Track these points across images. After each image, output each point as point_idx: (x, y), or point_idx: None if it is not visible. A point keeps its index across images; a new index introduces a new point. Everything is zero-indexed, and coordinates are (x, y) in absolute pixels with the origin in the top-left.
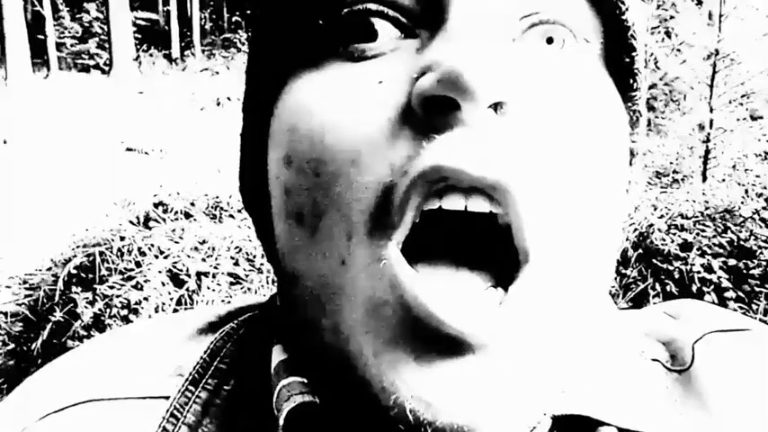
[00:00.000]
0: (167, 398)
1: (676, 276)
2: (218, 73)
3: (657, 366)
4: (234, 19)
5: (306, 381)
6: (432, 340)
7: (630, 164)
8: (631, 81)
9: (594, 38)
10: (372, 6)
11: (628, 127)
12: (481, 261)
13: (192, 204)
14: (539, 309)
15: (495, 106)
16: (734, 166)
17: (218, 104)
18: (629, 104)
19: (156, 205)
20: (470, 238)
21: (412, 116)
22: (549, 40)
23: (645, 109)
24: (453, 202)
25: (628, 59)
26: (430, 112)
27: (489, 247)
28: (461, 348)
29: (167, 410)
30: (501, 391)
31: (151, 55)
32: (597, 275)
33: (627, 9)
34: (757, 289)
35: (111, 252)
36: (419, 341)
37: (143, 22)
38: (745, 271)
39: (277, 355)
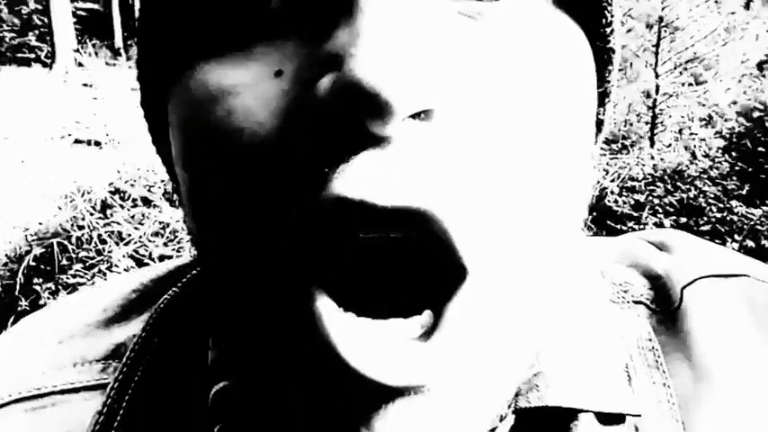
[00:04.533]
0: (101, 386)
1: None
2: None
3: (641, 309)
4: None
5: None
6: (359, 390)
7: (603, 106)
8: (600, 17)
9: None
10: None
11: (593, 91)
12: (408, 280)
13: (150, 190)
14: (480, 324)
15: (419, 114)
16: (680, 131)
17: None
18: (599, 42)
19: (112, 193)
20: (393, 257)
21: (314, 124)
22: None
23: (619, 44)
24: (370, 231)
25: None
26: (333, 125)
27: (416, 262)
28: (392, 396)
29: (104, 402)
30: (448, 430)
31: (94, 45)
32: (553, 262)
33: None
34: None
35: (70, 242)
36: (345, 391)
37: (83, 13)
38: (695, 228)
39: (213, 351)
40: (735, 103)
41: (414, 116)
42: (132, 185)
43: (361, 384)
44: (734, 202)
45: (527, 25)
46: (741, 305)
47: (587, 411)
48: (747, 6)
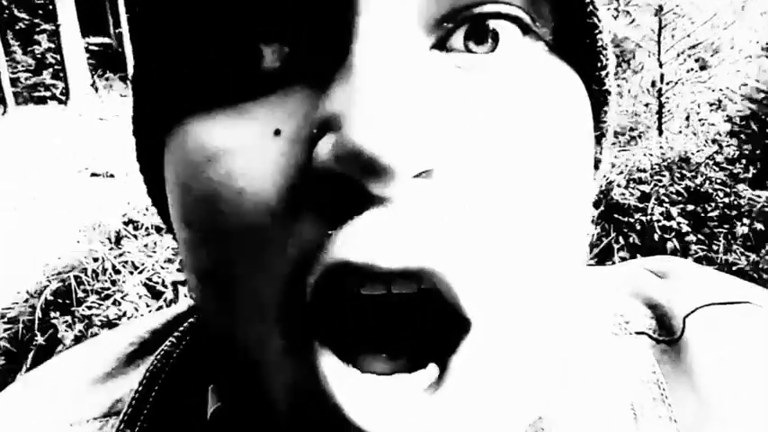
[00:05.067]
0: None
1: (638, 228)
2: None
3: (643, 339)
4: None
5: None
6: None
7: (600, 144)
8: (595, 61)
9: (545, 20)
10: (258, 29)
11: (591, 133)
12: (411, 333)
13: None
14: (486, 375)
15: (418, 174)
16: (687, 117)
17: None
18: (595, 86)
19: (126, 223)
20: (395, 310)
21: (315, 186)
22: (479, 40)
23: (614, 84)
24: (374, 288)
25: (589, 39)
26: (334, 187)
27: (419, 316)
28: None
29: None
30: None
31: (107, 79)
32: (557, 306)
33: None
34: (716, 230)
35: (86, 274)
36: None
37: (96, 48)
38: (702, 214)
39: (212, 399)
40: (745, 85)
41: (415, 176)
42: (144, 215)
43: None
44: (740, 186)
45: (524, 74)
46: (744, 333)
47: None
48: None
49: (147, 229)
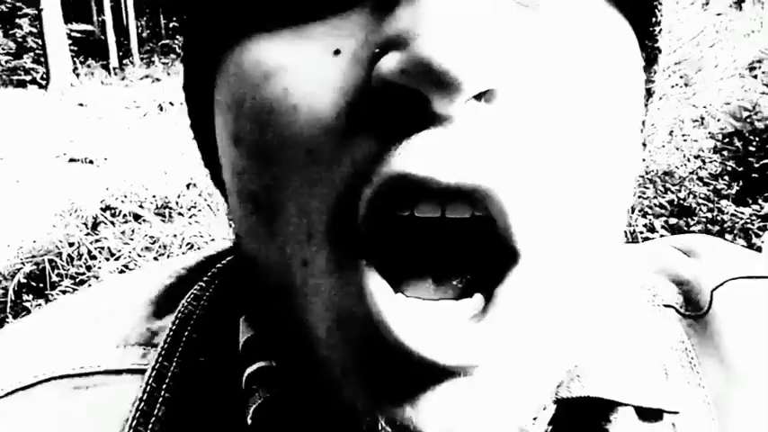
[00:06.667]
0: (141, 371)
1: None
2: (158, 80)
3: (671, 312)
4: (171, 25)
5: (273, 364)
6: (407, 367)
7: (646, 106)
8: (650, 16)
9: None
10: None
11: (641, 87)
12: (459, 261)
13: (141, 206)
14: (529, 309)
15: (481, 95)
16: (671, 132)
17: (161, 110)
18: (647, 41)
19: (103, 209)
20: (446, 237)
21: (375, 102)
22: None
23: (666, 44)
24: (428, 209)
25: None
26: (395, 103)
27: (469, 245)
28: (441, 376)
29: (143, 389)
30: (492, 414)
31: (89, 66)
32: (601, 254)
33: None
34: None
35: (61, 259)
36: (392, 367)
37: (78, 34)
38: (686, 228)
39: (243, 329)
40: (728, 104)
41: (476, 97)
42: (122, 201)
43: (414, 363)
44: (724, 202)
45: (581, 18)
46: None
47: (627, 405)
48: (739, 7)
49: (125, 216)
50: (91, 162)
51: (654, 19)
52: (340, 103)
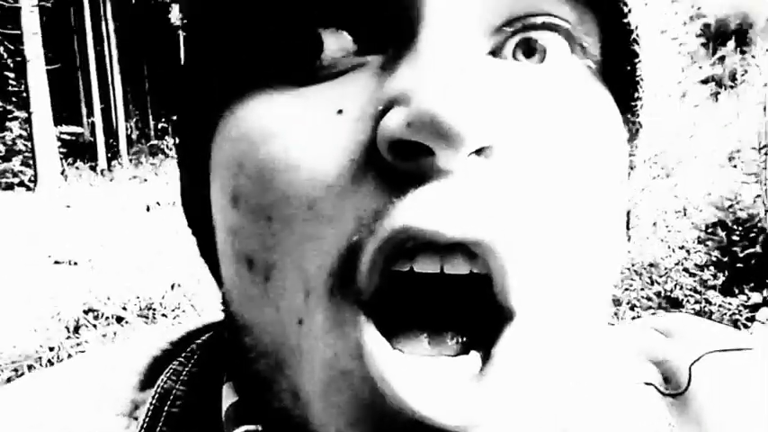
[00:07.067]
0: None
1: None
2: (146, 180)
3: (651, 390)
4: (160, 126)
5: (259, 428)
6: (406, 427)
7: (629, 176)
8: (632, 91)
9: (591, 42)
10: (320, 16)
11: (626, 145)
12: (453, 317)
13: (124, 308)
14: (525, 369)
15: (480, 151)
16: (654, 224)
17: (148, 210)
18: (630, 116)
19: (86, 312)
20: (442, 293)
21: (377, 159)
22: (529, 52)
23: (647, 120)
24: (427, 265)
25: (629, 67)
26: (399, 158)
27: (464, 303)
28: None
29: None
30: None
31: (77, 168)
32: (592, 316)
33: (629, 11)
34: None
35: (40, 364)
36: (391, 426)
37: (68, 136)
38: None
39: (228, 395)
40: (709, 194)
41: (476, 152)
42: (105, 304)
43: (414, 422)
44: (711, 293)
45: (570, 85)
46: (749, 378)
47: None
48: (716, 98)
49: (107, 318)
50: (75, 264)
51: (636, 94)
52: (343, 160)
